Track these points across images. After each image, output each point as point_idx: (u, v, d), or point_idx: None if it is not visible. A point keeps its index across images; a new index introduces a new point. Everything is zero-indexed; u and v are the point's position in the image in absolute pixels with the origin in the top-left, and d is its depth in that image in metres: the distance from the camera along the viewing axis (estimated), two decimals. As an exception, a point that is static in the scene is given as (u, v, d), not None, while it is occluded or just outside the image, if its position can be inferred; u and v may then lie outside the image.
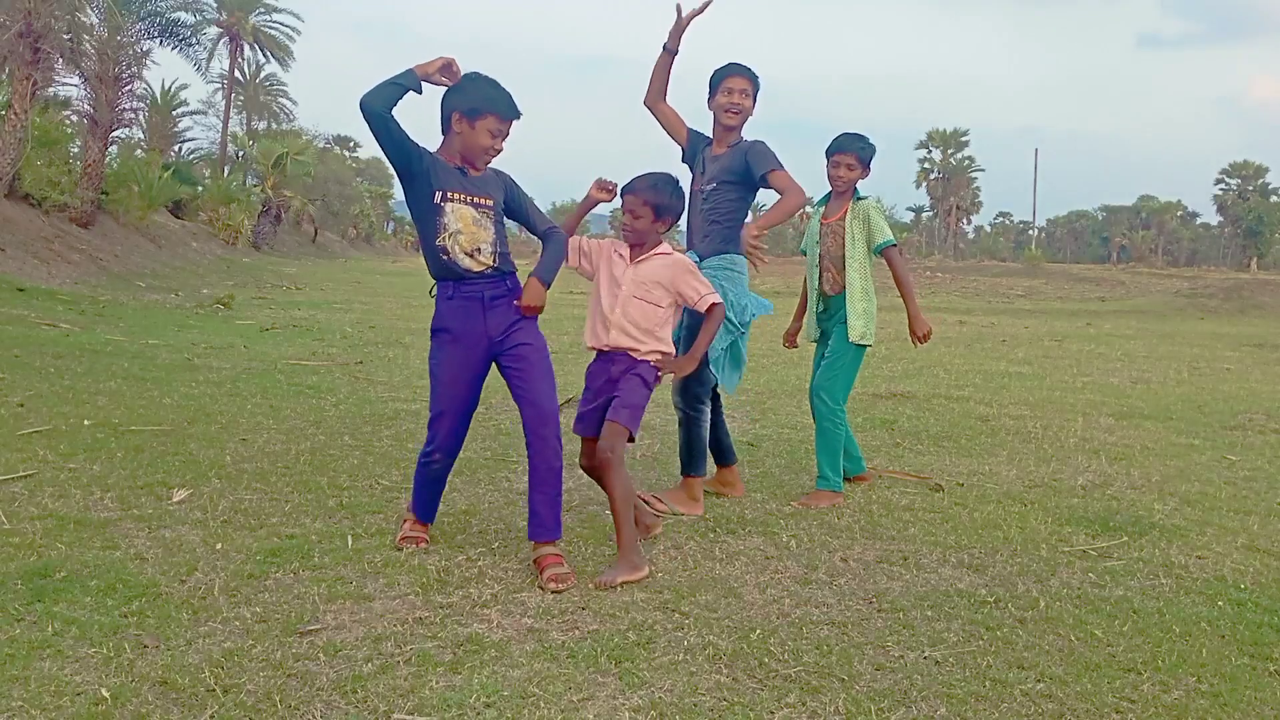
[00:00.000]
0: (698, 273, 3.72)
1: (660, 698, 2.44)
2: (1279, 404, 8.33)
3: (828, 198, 4.72)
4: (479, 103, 3.35)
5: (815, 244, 4.67)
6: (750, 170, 4.27)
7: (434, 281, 3.47)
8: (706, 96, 4.45)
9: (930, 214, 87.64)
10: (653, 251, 3.65)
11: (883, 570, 3.53)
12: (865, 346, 4.58)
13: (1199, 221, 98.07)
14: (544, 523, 3.37)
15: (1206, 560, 3.80)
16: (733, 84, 4.36)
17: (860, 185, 4.67)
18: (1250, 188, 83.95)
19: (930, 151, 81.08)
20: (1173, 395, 8.77)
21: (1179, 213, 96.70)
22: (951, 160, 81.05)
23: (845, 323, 4.52)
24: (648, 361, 3.60)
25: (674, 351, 3.71)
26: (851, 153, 4.56)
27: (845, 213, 4.60)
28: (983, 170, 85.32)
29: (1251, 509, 4.64)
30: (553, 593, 3.13)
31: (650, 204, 3.59)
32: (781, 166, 4.26)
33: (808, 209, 4.75)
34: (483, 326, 3.42)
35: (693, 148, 4.56)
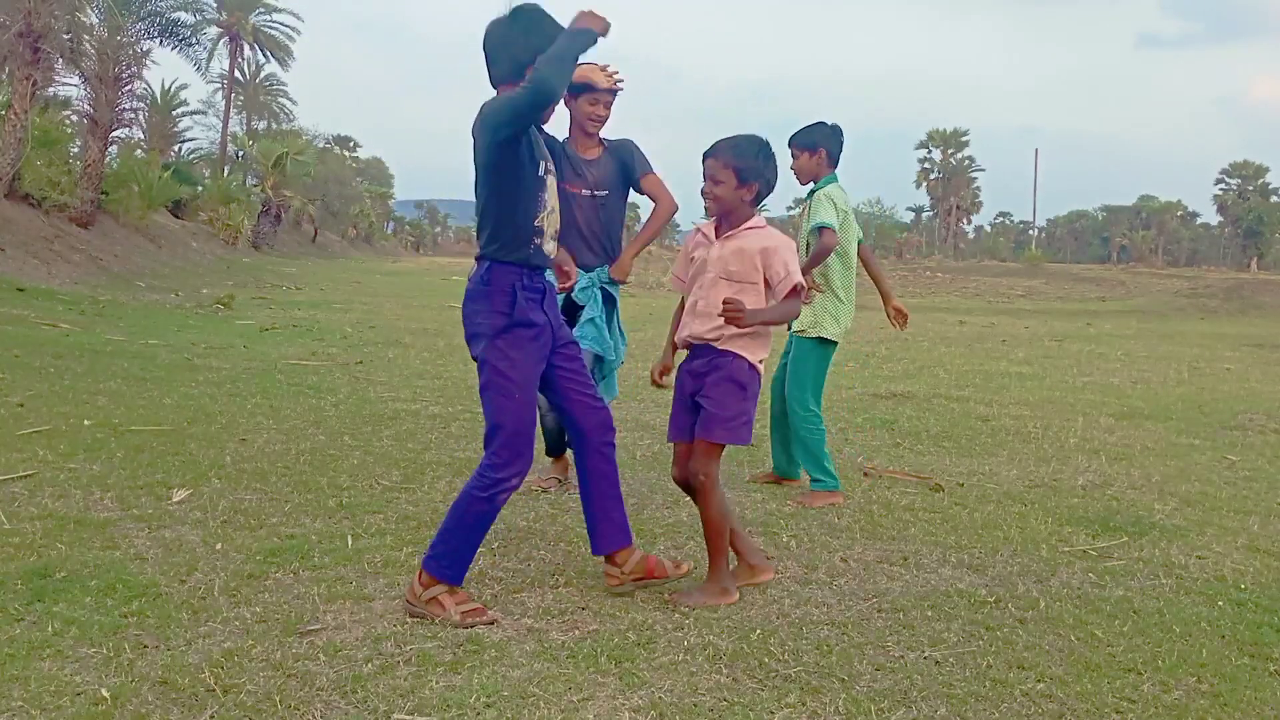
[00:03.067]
0: (793, 249, 3.23)
1: (660, 698, 2.44)
2: (1279, 404, 8.33)
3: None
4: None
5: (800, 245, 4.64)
6: (631, 173, 4.32)
7: (481, 270, 2.95)
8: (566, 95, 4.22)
9: (930, 214, 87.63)
10: (743, 226, 3.17)
11: (883, 570, 3.53)
12: (828, 342, 4.52)
13: (1199, 221, 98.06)
14: (624, 525, 3.13)
15: (1206, 560, 3.80)
16: (600, 96, 4.24)
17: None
18: (1250, 188, 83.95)
19: (930, 151, 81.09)
20: (1173, 395, 8.77)
21: (1179, 213, 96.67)
22: (951, 160, 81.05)
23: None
24: (733, 354, 3.11)
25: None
26: (791, 144, 4.57)
27: (805, 210, 4.66)
28: (983, 170, 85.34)
29: (1251, 509, 4.64)
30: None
31: (732, 166, 3.12)
32: (652, 169, 4.35)
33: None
34: (553, 321, 3.03)
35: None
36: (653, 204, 4.45)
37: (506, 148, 2.85)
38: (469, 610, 2.85)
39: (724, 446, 3.17)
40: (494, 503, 2.91)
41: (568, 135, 4.39)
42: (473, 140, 2.92)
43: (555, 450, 4.60)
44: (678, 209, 4.46)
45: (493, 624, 2.83)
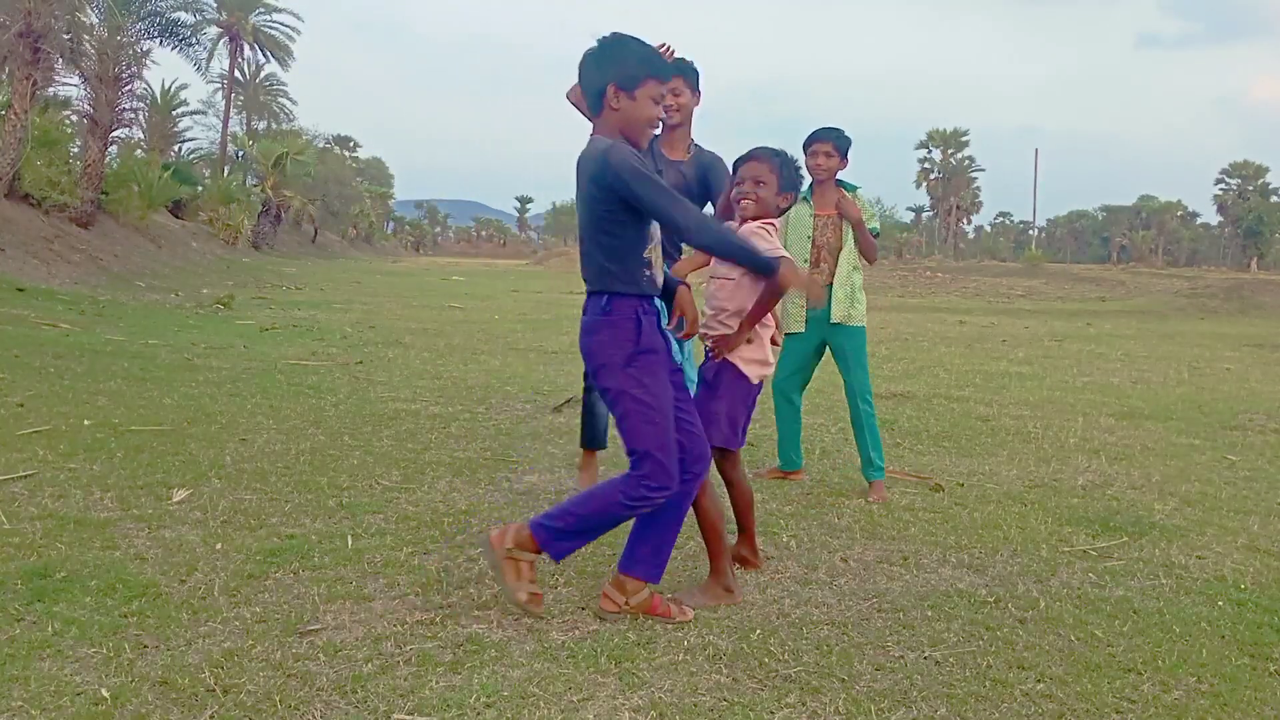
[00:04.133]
0: (767, 235, 3.27)
1: (660, 698, 2.44)
2: (1279, 404, 8.33)
3: (810, 191, 4.73)
4: (634, 67, 2.87)
5: (806, 238, 4.69)
6: (709, 188, 4.12)
7: (602, 303, 2.90)
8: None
9: (930, 214, 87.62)
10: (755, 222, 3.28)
11: (883, 570, 3.53)
12: (862, 328, 4.75)
13: (1199, 221, 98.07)
14: (660, 560, 3.03)
15: (1206, 560, 3.80)
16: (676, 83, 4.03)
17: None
18: (1250, 188, 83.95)
19: (930, 151, 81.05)
20: (1173, 395, 8.77)
21: (1179, 213, 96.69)
22: (951, 160, 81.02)
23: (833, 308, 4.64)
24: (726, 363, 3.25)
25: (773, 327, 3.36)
26: (828, 141, 4.59)
27: (839, 205, 4.67)
28: (983, 170, 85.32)
29: (1251, 509, 4.64)
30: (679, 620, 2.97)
31: (778, 173, 3.25)
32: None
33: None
34: (668, 346, 3.05)
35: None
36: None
37: (627, 204, 2.84)
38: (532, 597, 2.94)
39: (720, 449, 3.27)
40: (633, 512, 2.94)
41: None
42: (585, 177, 2.87)
43: (593, 442, 4.56)
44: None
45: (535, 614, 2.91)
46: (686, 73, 4.10)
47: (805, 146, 4.63)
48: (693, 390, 3.54)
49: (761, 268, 2.90)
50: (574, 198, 3.02)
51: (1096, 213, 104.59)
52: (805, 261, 4.68)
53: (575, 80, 3.09)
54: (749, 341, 3.26)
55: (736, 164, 3.35)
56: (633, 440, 2.88)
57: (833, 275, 4.65)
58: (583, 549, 3.59)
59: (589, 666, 2.60)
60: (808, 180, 4.52)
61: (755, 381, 3.31)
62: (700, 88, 4.16)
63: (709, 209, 4.13)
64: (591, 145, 2.88)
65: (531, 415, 6.43)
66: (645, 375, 2.88)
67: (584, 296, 3.01)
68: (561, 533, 2.91)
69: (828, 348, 4.80)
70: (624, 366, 2.87)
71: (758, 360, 3.30)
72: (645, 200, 2.77)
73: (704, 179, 4.18)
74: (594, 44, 2.91)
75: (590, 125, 3.06)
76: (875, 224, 4.74)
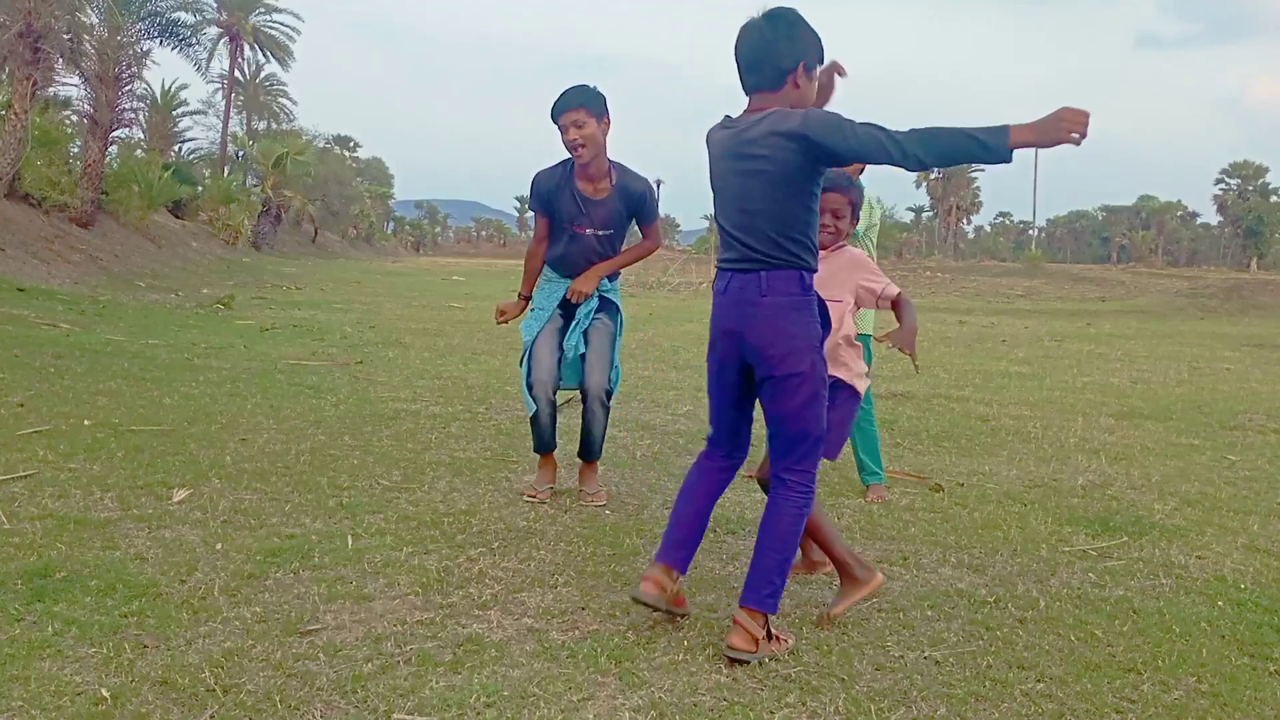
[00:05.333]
0: (872, 266, 3.36)
1: (660, 698, 2.44)
2: (1279, 404, 8.33)
3: None
4: (819, 51, 2.81)
5: None
6: (639, 216, 4.33)
7: (796, 279, 2.78)
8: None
9: (930, 214, 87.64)
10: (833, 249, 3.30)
11: (883, 570, 3.53)
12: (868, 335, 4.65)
13: (1199, 221, 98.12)
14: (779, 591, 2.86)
15: (1206, 560, 3.80)
16: (566, 120, 4.05)
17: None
18: (1250, 188, 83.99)
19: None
20: (1173, 395, 8.77)
21: (1179, 213, 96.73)
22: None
23: None
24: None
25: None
26: None
27: None
28: (983, 170, 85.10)
29: (1251, 509, 4.64)
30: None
31: (853, 203, 3.30)
32: (658, 217, 4.43)
33: None
34: None
35: (550, 189, 4.27)
36: (642, 236, 4.50)
37: (828, 164, 2.75)
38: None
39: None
40: (807, 512, 2.87)
41: (571, 167, 4.23)
42: (768, 147, 2.70)
43: (546, 446, 4.50)
44: (656, 250, 4.61)
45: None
46: (590, 101, 4.07)
47: None
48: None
49: (994, 136, 2.52)
50: (710, 180, 2.90)
51: (1096, 213, 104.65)
52: None
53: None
54: (847, 353, 3.24)
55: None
56: (813, 424, 2.79)
57: None
58: (582, 550, 3.61)
59: (589, 666, 2.60)
60: None
61: (860, 393, 3.32)
62: (608, 111, 4.15)
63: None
64: (772, 117, 2.70)
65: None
66: (823, 357, 2.81)
67: None
68: (777, 590, 2.78)
69: None
70: (817, 349, 2.77)
71: (861, 374, 3.32)
72: (855, 144, 2.62)
73: (632, 210, 4.30)
74: (774, 14, 2.77)
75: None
76: (873, 225, 4.69)
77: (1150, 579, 3.55)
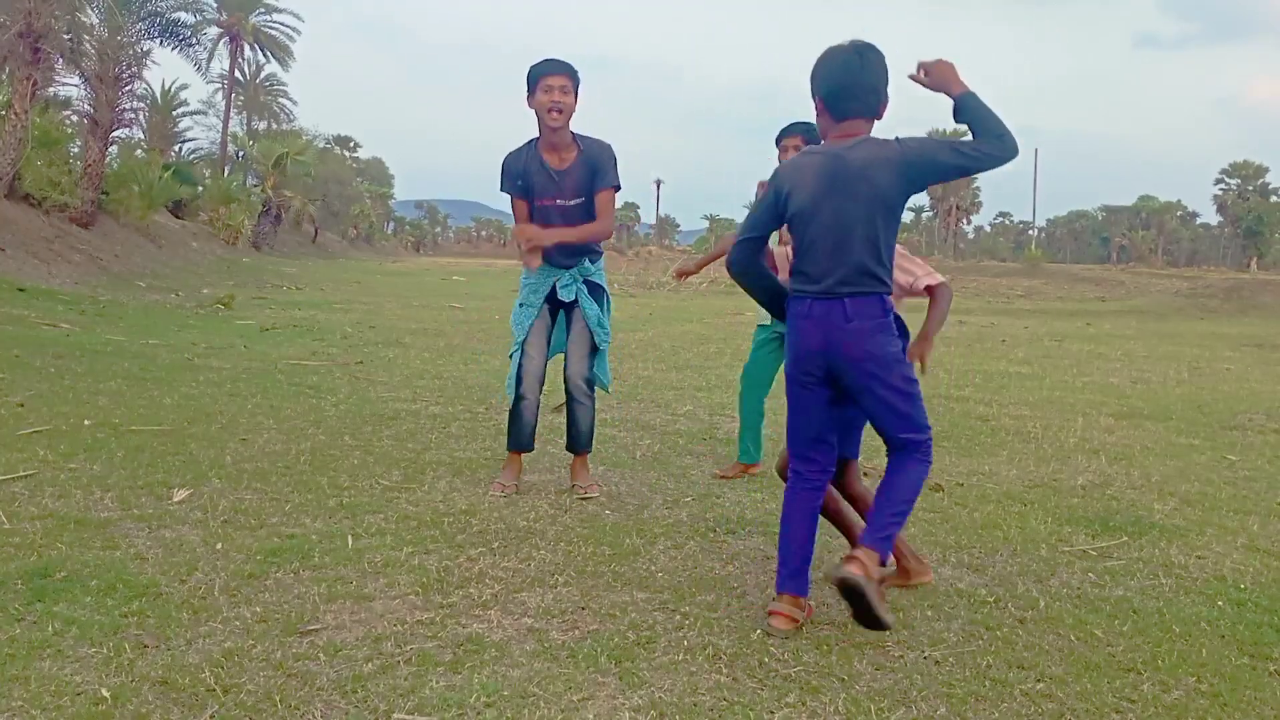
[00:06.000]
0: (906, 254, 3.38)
1: (660, 698, 2.44)
2: (1279, 404, 8.33)
3: None
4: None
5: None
6: (598, 175, 4.29)
7: (882, 306, 2.92)
8: (526, 95, 4.23)
9: (930, 214, 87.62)
10: None
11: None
12: None
13: (1199, 221, 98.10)
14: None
15: (1206, 560, 3.80)
16: (552, 81, 4.15)
17: None
18: (1250, 188, 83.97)
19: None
20: (1173, 395, 8.77)
21: (1179, 213, 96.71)
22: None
23: None
24: None
25: None
26: (798, 135, 4.58)
27: None
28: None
29: (1251, 509, 4.64)
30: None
31: None
32: (618, 183, 4.36)
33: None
34: None
35: (520, 168, 4.33)
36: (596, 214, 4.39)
37: (922, 187, 2.93)
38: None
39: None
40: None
41: (537, 140, 4.30)
42: (879, 176, 2.83)
43: (522, 444, 4.52)
44: (609, 237, 4.59)
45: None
46: (574, 74, 4.22)
47: (778, 140, 4.66)
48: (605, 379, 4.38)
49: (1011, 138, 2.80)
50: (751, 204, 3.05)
51: (1096, 213, 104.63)
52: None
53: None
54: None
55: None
56: (923, 418, 3.01)
57: None
58: (582, 550, 3.61)
59: (589, 666, 2.60)
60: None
61: None
62: (578, 95, 4.25)
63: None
64: (868, 144, 2.87)
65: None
66: (909, 367, 3.02)
67: None
68: (889, 538, 2.93)
69: None
70: (902, 361, 2.96)
71: None
72: (954, 163, 2.82)
73: (594, 174, 4.30)
74: (868, 46, 2.93)
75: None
76: None
77: (1150, 579, 3.55)
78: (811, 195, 2.87)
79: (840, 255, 2.85)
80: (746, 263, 3.04)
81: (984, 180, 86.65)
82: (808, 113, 3.16)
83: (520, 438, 4.49)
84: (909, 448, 2.98)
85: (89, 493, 3.99)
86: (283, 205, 37.74)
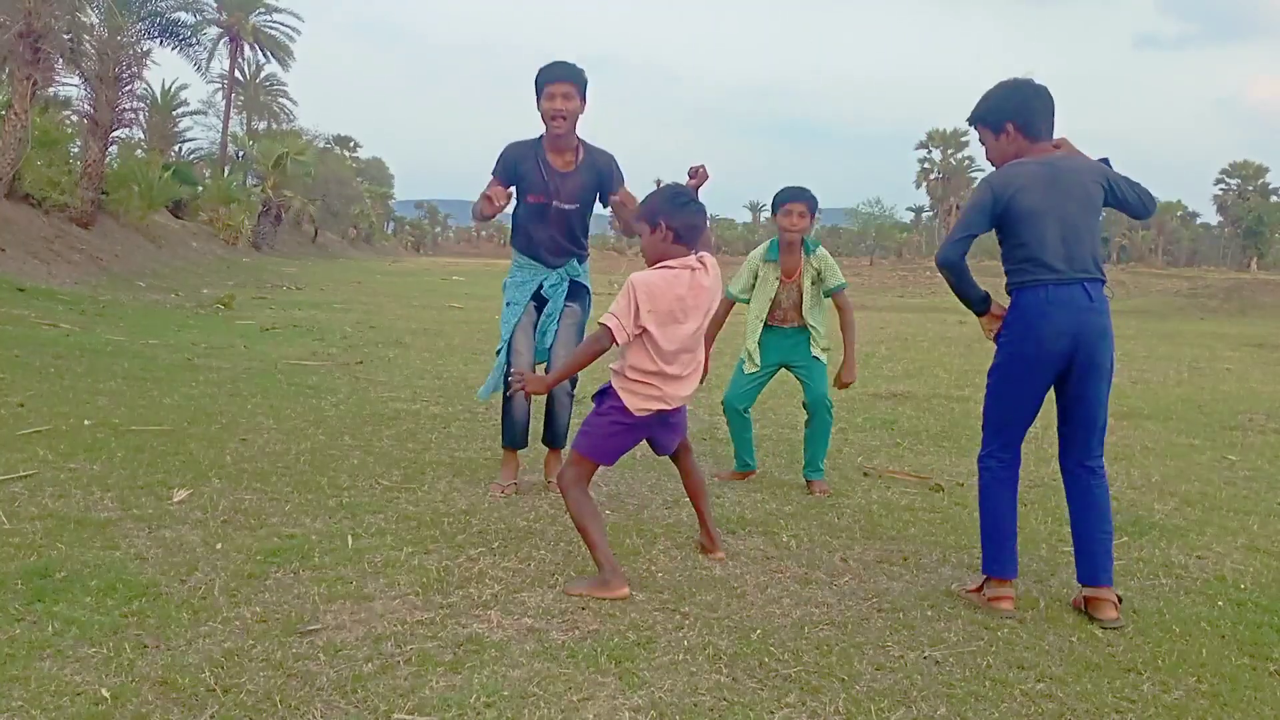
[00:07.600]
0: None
1: (660, 698, 2.44)
2: (1279, 404, 8.33)
3: (774, 248, 4.77)
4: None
5: (768, 299, 4.76)
6: (605, 187, 4.41)
7: (1101, 288, 3.29)
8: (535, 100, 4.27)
9: (930, 214, 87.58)
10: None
11: (883, 570, 3.53)
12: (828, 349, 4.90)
13: (1199, 221, 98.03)
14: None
15: (1206, 560, 3.80)
16: (555, 89, 4.18)
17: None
18: (1250, 188, 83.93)
19: (930, 151, 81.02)
20: (1173, 395, 8.77)
21: (1179, 213, 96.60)
22: (951, 160, 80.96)
23: (807, 344, 4.77)
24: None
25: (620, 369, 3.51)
26: (803, 201, 4.66)
27: (800, 270, 4.75)
28: (982, 170, 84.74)
29: (1251, 509, 4.64)
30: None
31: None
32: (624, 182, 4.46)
33: (754, 256, 4.85)
34: None
35: (517, 157, 4.33)
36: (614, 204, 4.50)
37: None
38: (997, 597, 3.21)
39: (580, 456, 3.37)
40: None
41: (544, 137, 4.33)
42: (1090, 182, 3.22)
43: (516, 441, 4.54)
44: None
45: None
46: (580, 80, 4.25)
47: (777, 204, 4.71)
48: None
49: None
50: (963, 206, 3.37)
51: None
52: (759, 319, 4.78)
53: None
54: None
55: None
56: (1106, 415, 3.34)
57: (795, 321, 4.77)
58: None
59: (589, 666, 2.60)
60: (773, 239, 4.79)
61: None
62: (586, 98, 4.29)
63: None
64: (1071, 158, 3.29)
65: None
66: None
67: None
68: (1111, 563, 3.26)
69: (785, 369, 4.87)
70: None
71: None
72: (1129, 198, 3.27)
73: (599, 183, 4.40)
74: (1040, 84, 3.35)
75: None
76: (839, 279, 4.79)
77: (1150, 579, 3.55)
78: (1043, 196, 3.17)
79: (1074, 247, 3.17)
80: (956, 259, 3.30)
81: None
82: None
83: (514, 435, 4.52)
84: (1092, 472, 3.38)
85: (89, 493, 3.99)
86: (283, 205, 37.73)
